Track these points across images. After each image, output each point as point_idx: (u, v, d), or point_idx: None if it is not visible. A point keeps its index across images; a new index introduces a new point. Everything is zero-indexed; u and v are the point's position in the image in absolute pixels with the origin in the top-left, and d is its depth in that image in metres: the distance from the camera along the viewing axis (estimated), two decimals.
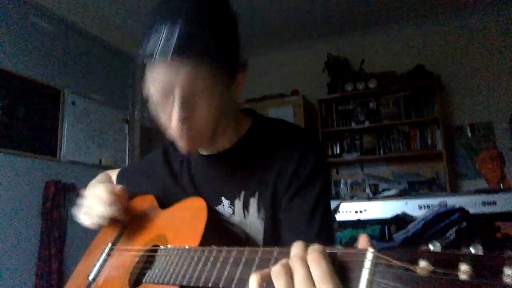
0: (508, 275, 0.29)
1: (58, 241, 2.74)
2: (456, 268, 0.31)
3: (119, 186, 0.86)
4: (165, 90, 0.67)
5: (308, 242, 0.46)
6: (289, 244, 0.47)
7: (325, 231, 0.75)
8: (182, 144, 0.74)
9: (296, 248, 0.45)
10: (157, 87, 0.67)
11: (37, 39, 2.89)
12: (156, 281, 0.68)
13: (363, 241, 0.44)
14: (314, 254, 0.42)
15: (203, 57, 0.64)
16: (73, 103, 3.11)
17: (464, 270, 0.30)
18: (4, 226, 2.51)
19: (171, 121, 0.69)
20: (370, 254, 0.39)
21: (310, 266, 0.42)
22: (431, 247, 0.34)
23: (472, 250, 0.31)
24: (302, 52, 4.34)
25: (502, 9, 3.64)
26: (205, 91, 0.66)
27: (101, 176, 1.08)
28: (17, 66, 2.71)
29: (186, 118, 0.69)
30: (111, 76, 3.57)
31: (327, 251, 0.43)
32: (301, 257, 0.44)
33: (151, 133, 3.99)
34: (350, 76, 3.95)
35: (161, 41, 0.63)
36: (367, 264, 0.38)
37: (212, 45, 0.65)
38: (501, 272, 0.29)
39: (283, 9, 3.61)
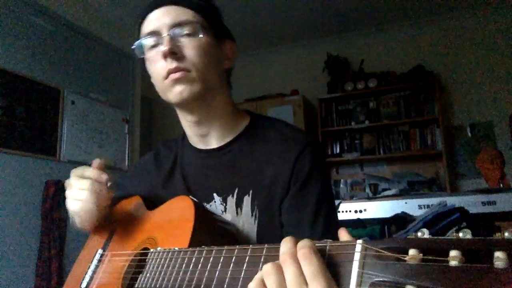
0: (499, 258, 0.28)
1: (58, 241, 2.73)
2: (446, 254, 0.30)
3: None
4: (156, 28, 0.77)
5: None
6: None
7: (330, 231, 0.74)
8: (176, 83, 0.76)
9: (286, 244, 0.45)
10: (149, 29, 0.78)
11: (37, 39, 2.89)
12: (148, 286, 0.67)
13: (343, 234, 0.43)
14: (305, 250, 0.42)
15: (187, 5, 0.77)
16: (73, 103, 3.11)
17: (454, 256, 0.30)
18: (4, 226, 2.51)
19: (162, 52, 0.74)
20: (359, 246, 0.39)
21: (301, 263, 0.42)
22: (419, 234, 0.33)
23: (461, 235, 0.31)
24: (302, 52, 4.34)
25: (502, 9, 3.64)
26: (190, 27, 0.76)
27: None
28: (17, 66, 2.71)
29: (175, 48, 0.74)
30: (111, 76, 3.57)
31: (316, 245, 0.43)
32: (291, 254, 0.43)
33: (151, 133, 3.99)
34: (350, 75, 3.95)
35: None
36: (357, 256, 0.38)
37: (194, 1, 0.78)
38: (492, 256, 0.29)
39: (283, 9, 3.61)
